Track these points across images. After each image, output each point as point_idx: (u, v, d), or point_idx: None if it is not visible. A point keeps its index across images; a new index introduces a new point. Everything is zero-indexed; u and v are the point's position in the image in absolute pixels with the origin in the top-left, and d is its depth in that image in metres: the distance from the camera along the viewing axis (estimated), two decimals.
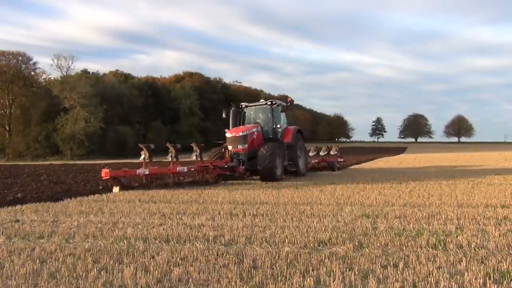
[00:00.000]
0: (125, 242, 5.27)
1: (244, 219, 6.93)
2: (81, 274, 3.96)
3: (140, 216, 7.43)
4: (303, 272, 3.94)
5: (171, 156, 14.24)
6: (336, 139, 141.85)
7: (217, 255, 4.59)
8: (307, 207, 8.11)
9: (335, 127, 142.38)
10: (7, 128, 62.67)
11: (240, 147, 15.81)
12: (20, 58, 65.31)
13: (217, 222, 6.65)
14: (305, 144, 20.09)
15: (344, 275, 3.83)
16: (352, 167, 27.13)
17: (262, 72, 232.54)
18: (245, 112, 18.04)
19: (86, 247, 5.01)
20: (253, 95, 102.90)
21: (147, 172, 12.91)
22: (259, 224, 6.47)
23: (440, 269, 4.00)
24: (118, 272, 3.96)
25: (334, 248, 4.85)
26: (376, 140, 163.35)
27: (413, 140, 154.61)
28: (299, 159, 17.77)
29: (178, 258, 4.45)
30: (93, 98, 59.81)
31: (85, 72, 71.62)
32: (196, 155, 15.24)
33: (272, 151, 15.06)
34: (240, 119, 17.84)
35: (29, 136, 58.98)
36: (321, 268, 4.05)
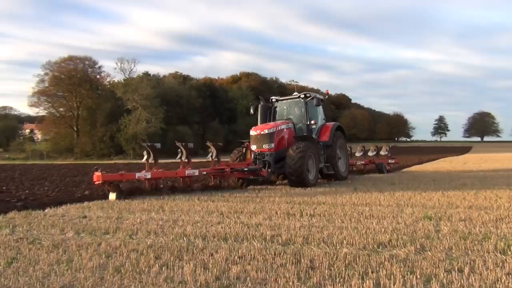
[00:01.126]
0: (184, 239, 5.41)
1: (301, 219, 6.90)
2: (143, 269, 4.10)
3: (199, 214, 7.60)
4: (362, 274, 3.86)
5: (211, 156, 13.30)
6: (396, 139, 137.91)
7: (275, 254, 4.60)
8: (366, 208, 7.94)
9: (394, 126, 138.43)
10: (75, 129, 66.15)
11: (265, 146, 13.54)
12: (86, 63, 68.87)
13: (274, 222, 6.67)
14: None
15: (405, 278, 3.71)
16: (413, 167, 26.23)
17: (319, 71, 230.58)
18: (276, 107, 15.70)
19: (148, 243, 5.19)
20: None
21: (149, 176, 11.02)
22: (316, 224, 6.41)
23: (510, 275, 3.78)
24: (179, 269, 4.07)
25: (395, 251, 4.71)
26: (438, 139, 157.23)
27: (478, 139, 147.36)
28: (338, 161, 15.52)
29: (236, 257, 4.50)
30: (154, 100, 61.88)
31: (146, 74, 74.14)
32: (212, 156, 13.35)
33: (303, 151, 12.76)
34: (270, 115, 15.59)
35: (95, 136, 61.90)
36: (380, 270, 3.95)
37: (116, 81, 70.42)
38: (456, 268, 4.01)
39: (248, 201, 9.53)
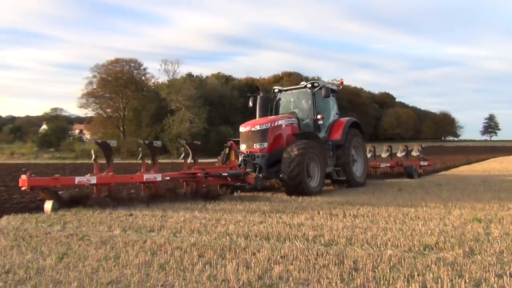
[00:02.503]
0: (227, 238, 5.46)
1: (344, 220, 6.82)
2: (187, 267, 4.17)
3: (241, 213, 7.64)
4: (407, 277, 3.76)
5: (184, 157, 11.11)
6: (443, 138, 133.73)
7: (317, 255, 4.56)
8: (411, 209, 7.75)
9: (441, 125, 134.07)
10: (121, 129, 68.13)
11: (256, 146, 11.11)
12: (132, 65, 70.83)
13: (317, 222, 6.62)
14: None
15: (453, 282, 3.59)
16: (461, 168, 25.36)
17: (362, 69, 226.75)
18: (279, 99, 13.34)
19: (191, 241, 5.27)
20: (353, 93, 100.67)
21: (94, 181, 8.58)
22: (359, 225, 6.31)
23: None
24: (222, 267, 4.11)
25: (442, 253, 4.57)
26: (488, 138, 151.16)
27: None
28: (354, 164, 13.13)
29: (278, 256, 4.50)
30: (197, 100, 62.85)
31: (189, 75, 75.35)
32: (185, 157, 10.87)
33: (302, 152, 10.30)
34: (272, 109, 13.20)
35: (140, 136, 63.52)
36: (427, 273, 3.84)
37: (160, 82, 72.07)
38: (507, 272, 3.84)
39: (290, 200, 9.51)
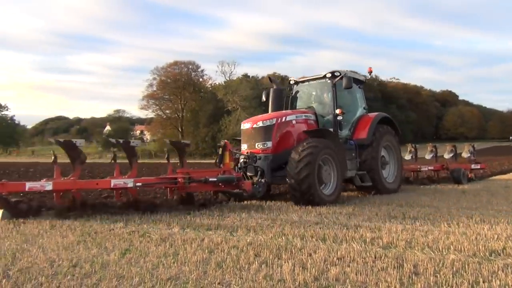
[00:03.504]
0: (283, 238, 5.45)
1: (404, 222, 6.61)
2: (243, 266, 4.20)
3: (297, 213, 7.62)
4: (471, 283, 3.59)
5: (167, 158, 9.38)
6: (511, 138, 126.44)
7: (375, 257, 4.46)
8: (475, 212, 7.39)
9: (509, 124, 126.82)
10: (180, 130, 70.03)
11: (258, 145, 9.52)
12: (190, 67, 72.78)
13: (374, 224, 6.47)
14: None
15: None
16: None
17: (423, 66, 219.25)
18: (296, 92, 11.76)
19: (248, 240, 5.31)
20: (413, 92, 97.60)
21: (49, 188, 7.29)
22: (420, 228, 6.10)
23: None
24: (278, 267, 4.11)
25: (510, 259, 4.32)
26: None
27: None
28: (384, 167, 11.34)
29: (335, 258, 4.44)
30: (252, 100, 63.42)
31: (245, 76, 76.18)
32: (168, 159, 9.34)
33: (311, 153, 8.55)
34: (288, 103, 11.63)
35: (198, 137, 65.03)
36: (493, 280, 3.64)
37: (217, 83, 73.39)
38: None
39: (346, 202, 9.36)
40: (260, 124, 9.72)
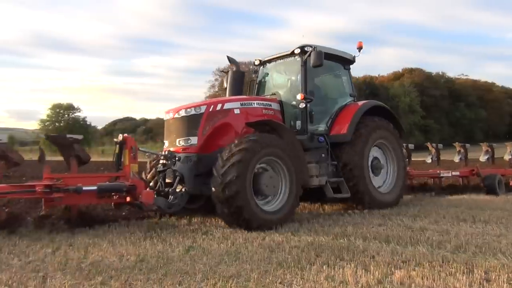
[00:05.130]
0: (345, 239, 5.36)
1: (474, 226, 6.29)
2: (305, 266, 4.18)
3: (359, 214, 7.47)
4: None
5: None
6: None
7: (442, 261, 4.27)
8: None
9: None
10: None
11: (180, 142, 7.07)
12: (251, 67, 73.18)
13: (442, 227, 6.20)
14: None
15: None
16: None
17: (494, 62, 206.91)
18: (265, 76, 9.24)
19: (309, 240, 5.28)
20: (483, 89, 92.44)
21: None
22: (491, 232, 5.78)
23: None
24: (339, 268, 4.05)
25: None
26: None
27: None
28: (377, 173, 8.63)
29: (399, 261, 4.31)
30: None
31: None
32: (40, 159, 7.82)
33: (243, 150, 6.21)
34: (252, 89, 9.35)
35: None
36: None
37: None
38: None
39: (411, 203, 9.05)
40: (183, 113, 7.16)
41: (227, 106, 7.24)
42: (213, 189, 6.15)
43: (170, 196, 6.60)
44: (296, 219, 6.96)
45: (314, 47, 7.82)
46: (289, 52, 8.41)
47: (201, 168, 6.76)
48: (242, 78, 9.16)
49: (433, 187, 11.57)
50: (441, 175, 11.51)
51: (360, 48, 8.86)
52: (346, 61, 9.03)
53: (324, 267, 4.12)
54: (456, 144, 13.10)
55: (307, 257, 4.50)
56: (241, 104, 7.44)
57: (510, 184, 11.96)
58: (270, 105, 7.90)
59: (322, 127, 8.28)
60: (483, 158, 13.15)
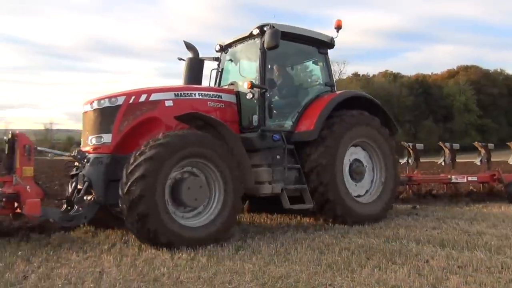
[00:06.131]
0: (397, 242, 5.23)
1: None
2: (355, 268, 4.11)
3: (412, 217, 7.26)
4: None
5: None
6: None
7: (502, 267, 4.07)
8: None
9: None
10: None
11: (92, 141, 5.94)
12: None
13: (501, 231, 5.91)
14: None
15: None
16: None
17: None
18: (227, 63, 7.70)
19: (359, 243, 5.19)
20: None
21: None
22: None
23: None
24: (391, 272, 3.95)
25: None
26: None
27: None
28: (355, 178, 7.05)
29: (455, 266, 4.15)
30: None
31: (355, 75, 74.67)
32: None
33: (149, 159, 5.01)
34: (216, 78, 7.80)
35: None
36: None
37: None
38: None
39: (467, 207, 8.69)
40: (95, 105, 6.01)
41: (154, 97, 6.02)
42: (121, 203, 5.08)
43: (74, 206, 5.54)
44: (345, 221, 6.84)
45: (271, 25, 6.51)
46: (247, 34, 7.02)
47: (117, 172, 5.37)
48: (201, 66, 7.78)
49: (442, 194, 10.02)
50: (453, 180, 9.72)
51: (338, 28, 7.39)
52: (321, 44, 7.47)
53: (375, 270, 4.04)
54: (476, 143, 10.95)
55: (357, 259, 4.43)
56: (176, 95, 6.19)
57: None
58: (220, 97, 6.62)
59: (288, 123, 6.95)
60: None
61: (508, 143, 10.75)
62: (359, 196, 6.99)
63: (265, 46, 6.37)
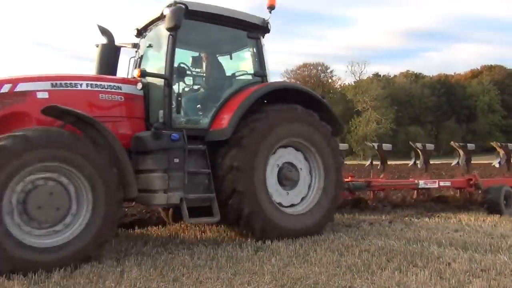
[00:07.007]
0: (418, 244, 5.16)
1: None
2: (375, 271, 4.07)
3: (433, 219, 7.16)
4: None
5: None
6: None
7: None
8: None
9: None
10: None
11: None
12: (319, 68, 73.01)
13: None
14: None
15: None
16: None
17: None
18: (145, 49, 6.47)
19: (379, 245, 5.14)
20: None
21: None
22: None
23: None
24: (412, 275, 3.89)
25: None
26: None
27: None
28: (286, 185, 5.94)
29: (478, 269, 4.07)
30: (384, 100, 61.53)
31: (376, 75, 74.02)
32: None
33: None
34: (135, 67, 6.47)
35: None
36: None
37: (347, 84, 72.59)
38: None
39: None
40: None
41: (22, 87, 5.03)
42: None
43: None
44: (366, 221, 6.79)
45: (175, 2, 5.53)
46: (159, 15, 5.97)
47: None
48: (116, 53, 6.70)
49: (401, 202, 8.98)
50: (422, 185, 8.44)
51: (271, 8, 6.30)
52: (252, 28, 6.35)
53: (395, 272, 3.99)
54: (494, 143, 9.87)
55: (377, 261, 4.38)
56: (53, 85, 5.17)
57: None
58: (119, 88, 5.55)
59: (205, 120, 5.90)
60: (497, 162, 9.67)
61: (492, 143, 9.99)
62: (292, 205, 5.95)
63: (165, 27, 5.46)
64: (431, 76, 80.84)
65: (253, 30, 6.33)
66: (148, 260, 4.51)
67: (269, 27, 6.42)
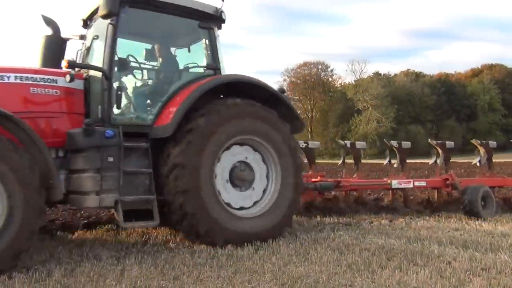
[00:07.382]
0: (418, 243, 5.16)
1: None
2: (376, 269, 4.07)
3: (434, 218, 7.16)
4: None
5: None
6: None
7: None
8: None
9: None
10: (309, 130, 70.60)
11: None
12: (319, 67, 72.90)
13: None
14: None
15: None
16: None
17: None
18: (91, 40, 5.95)
19: (380, 243, 5.14)
20: None
21: None
22: None
23: None
24: (413, 274, 3.90)
25: None
26: None
27: None
28: (240, 186, 5.59)
29: (478, 268, 4.07)
30: (384, 99, 61.51)
31: (376, 74, 73.97)
32: None
33: None
34: (82, 60, 5.96)
35: (327, 137, 64.86)
36: None
37: (347, 82, 72.59)
38: None
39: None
40: None
41: None
42: None
43: None
44: (367, 220, 6.80)
45: None
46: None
47: None
48: (62, 45, 6.22)
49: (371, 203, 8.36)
50: (395, 185, 7.93)
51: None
52: (203, 17, 5.93)
53: (396, 271, 3.99)
54: (474, 141, 9.44)
55: (378, 260, 4.38)
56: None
57: None
58: (55, 82, 5.09)
59: (149, 116, 5.52)
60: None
61: (472, 141, 9.56)
62: (244, 208, 5.56)
63: (99, 14, 5.08)
64: (431, 75, 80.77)
65: (205, 20, 5.91)
66: (149, 258, 4.51)
67: (223, 17, 5.99)
